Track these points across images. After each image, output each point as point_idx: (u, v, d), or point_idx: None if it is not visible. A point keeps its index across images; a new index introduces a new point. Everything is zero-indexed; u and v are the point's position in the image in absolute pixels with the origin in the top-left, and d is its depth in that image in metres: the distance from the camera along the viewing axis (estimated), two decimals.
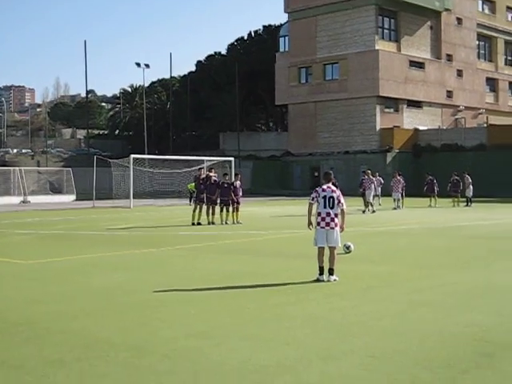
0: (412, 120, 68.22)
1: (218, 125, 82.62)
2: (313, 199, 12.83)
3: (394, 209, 36.80)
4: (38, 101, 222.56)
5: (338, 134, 67.55)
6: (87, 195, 48.15)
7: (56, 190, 55.03)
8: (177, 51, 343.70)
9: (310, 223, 13.03)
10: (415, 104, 69.19)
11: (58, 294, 11.56)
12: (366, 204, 34.29)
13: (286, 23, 74.54)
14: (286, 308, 10.11)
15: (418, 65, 69.15)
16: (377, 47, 65.44)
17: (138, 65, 77.73)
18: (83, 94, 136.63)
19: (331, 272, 12.48)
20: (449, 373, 6.78)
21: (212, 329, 8.81)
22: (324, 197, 12.61)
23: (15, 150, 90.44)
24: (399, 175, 38.41)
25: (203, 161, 47.45)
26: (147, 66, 78.43)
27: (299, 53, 70.21)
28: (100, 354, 7.55)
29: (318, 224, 12.63)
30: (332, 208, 12.57)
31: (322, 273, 12.52)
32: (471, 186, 41.17)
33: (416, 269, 14.27)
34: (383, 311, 9.82)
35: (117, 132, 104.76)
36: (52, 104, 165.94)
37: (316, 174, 65.91)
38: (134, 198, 43.15)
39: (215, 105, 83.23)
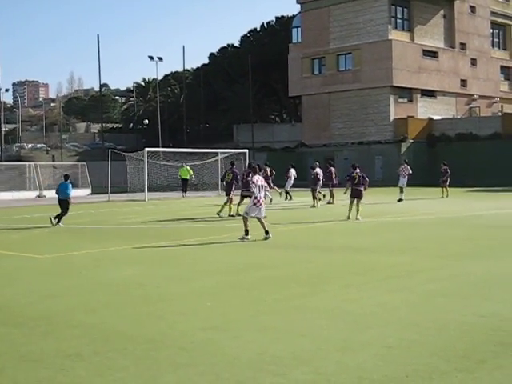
0: (426, 110, 67.87)
1: (232, 117, 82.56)
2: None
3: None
4: (52, 95, 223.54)
5: (352, 125, 67.36)
6: (102, 189, 48.20)
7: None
8: (190, 44, 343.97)
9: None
10: (429, 93, 68.80)
11: (75, 287, 11.62)
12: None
13: (298, 14, 74.24)
14: (302, 300, 10.12)
15: (431, 54, 68.73)
16: (390, 37, 65.11)
17: (151, 58, 77.90)
18: (97, 88, 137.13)
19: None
20: (466, 363, 6.77)
21: (229, 321, 8.84)
22: (260, 185, 18.16)
23: (30, 145, 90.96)
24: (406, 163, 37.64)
25: (217, 153, 47.60)
26: (160, 59, 78.56)
27: (312, 44, 69.97)
28: (118, 347, 7.59)
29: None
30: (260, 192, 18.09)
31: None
32: None
33: (433, 259, 14.24)
34: (400, 302, 9.80)
35: (131, 125, 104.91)
36: (66, 98, 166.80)
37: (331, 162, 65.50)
38: (148, 191, 43.17)
39: (228, 97, 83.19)
